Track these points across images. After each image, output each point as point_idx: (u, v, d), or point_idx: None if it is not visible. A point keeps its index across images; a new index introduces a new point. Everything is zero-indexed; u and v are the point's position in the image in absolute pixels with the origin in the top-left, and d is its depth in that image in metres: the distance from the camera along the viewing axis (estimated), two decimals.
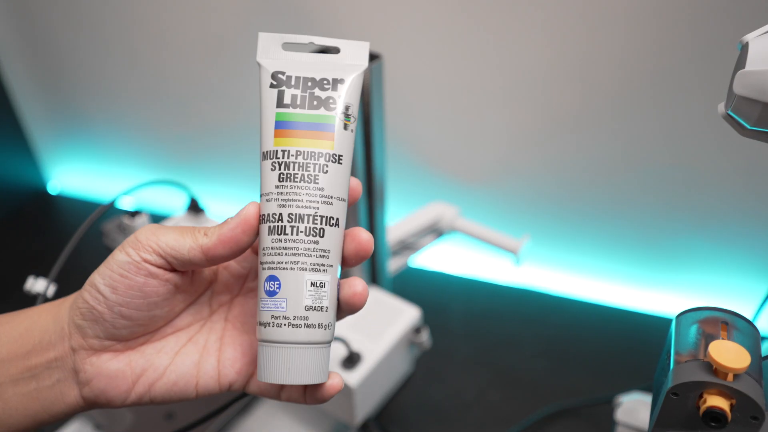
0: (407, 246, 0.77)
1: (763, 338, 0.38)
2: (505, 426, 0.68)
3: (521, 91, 0.76)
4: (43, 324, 0.32)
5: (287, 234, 0.30)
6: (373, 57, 0.54)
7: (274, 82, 0.31)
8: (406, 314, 0.63)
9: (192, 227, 0.32)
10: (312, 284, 0.30)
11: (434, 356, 0.75)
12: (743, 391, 0.33)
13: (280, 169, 0.30)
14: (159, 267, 0.31)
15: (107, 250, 0.80)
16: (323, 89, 0.31)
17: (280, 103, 0.31)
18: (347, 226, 0.32)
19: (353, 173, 0.32)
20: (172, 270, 0.31)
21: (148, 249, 0.30)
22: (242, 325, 0.35)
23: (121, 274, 0.30)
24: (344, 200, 0.32)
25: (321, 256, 0.30)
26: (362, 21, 0.77)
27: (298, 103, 0.31)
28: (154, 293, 0.31)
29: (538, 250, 0.87)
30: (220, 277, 0.35)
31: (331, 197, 0.31)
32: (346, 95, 0.31)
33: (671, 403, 0.35)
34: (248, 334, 0.34)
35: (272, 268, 0.30)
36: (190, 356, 0.33)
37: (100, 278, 0.31)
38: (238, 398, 0.38)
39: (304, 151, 0.30)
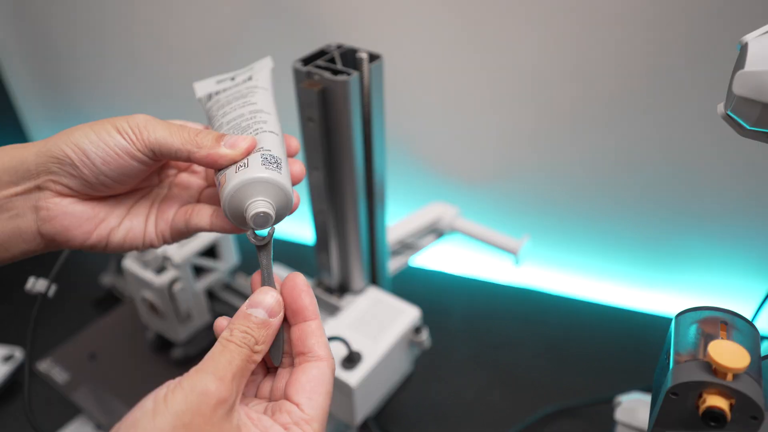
0: (407, 246, 0.77)
1: (763, 338, 0.39)
2: (505, 426, 0.68)
3: (521, 92, 0.76)
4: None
5: None
6: (373, 57, 0.54)
7: None
8: (406, 314, 0.63)
9: (182, 127, 0.37)
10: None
11: (434, 356, 0.75)
12: (743, 390, 0.33)
13: None
14: (148, 157, 0.36)
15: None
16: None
17: None
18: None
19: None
20: (156, 159, 0.37)
21: (143, 142, 0.36)
22: (179, 194, 0.42)
23: (117, 153, 0.35)
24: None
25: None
26: (362, 21, 0.77)
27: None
28: (136, 171, 0.37)
29: (538, 250, 0.87)
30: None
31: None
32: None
33: (671, 402, 0.35)
34: (180, 203, 0.41)
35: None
36: (142, 211, 0.40)
37: (92, 147, 0.35)
38: None
39: None
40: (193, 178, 0.43)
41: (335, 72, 0.52)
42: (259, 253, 0.35)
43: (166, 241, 0.41)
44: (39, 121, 1.10)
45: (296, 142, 0.41)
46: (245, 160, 0.35)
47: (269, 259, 0.35)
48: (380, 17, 0.76)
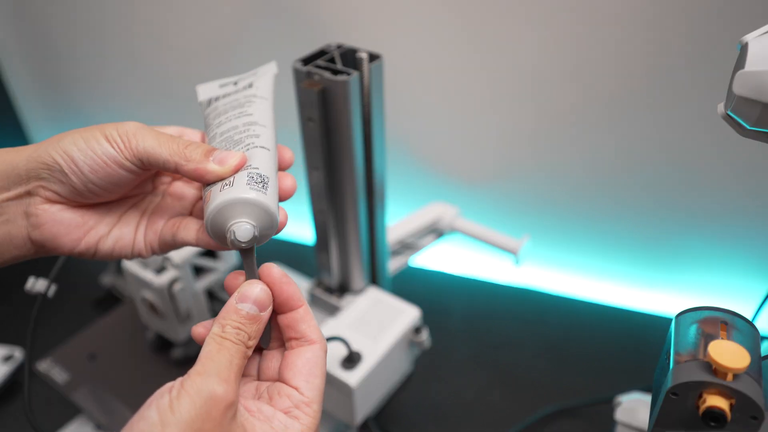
0: (407, 246, 0.77)
1: (763, 338, 0.39)
2: (505, 426, 0.68)
3: (521, 92, 0.76)
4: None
5: None
6: (373, 57, 0.54)
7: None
8: (406, 314, 0.63)
9: (172, 137, 0.36)
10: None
11: (434, 356, 0.75)
12: (743, 390, 0.33)
13: None
14: (136, 166, 0.36)
15: None
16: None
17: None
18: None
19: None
20: (144, 168, 0.36)
21: (131, 151, 0.35)
22: (171, 204, 0.41)
23: (105, 162, 0.35)
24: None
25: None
26: (362, 21, 0.77)
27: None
28: (125, 180, 0.37)
29: (538, 250, 0.87)
30: None
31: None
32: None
33: (671, 403, 0.35)
34: (171, 214, 0.41)
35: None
36: (133, 220, 0.40)
37: (80, 155, 0.35)
38: None
39: None
40: (187, 188, 0.42)
41: (335, 72, 0.52)
42: (243, 259, 0.35)
43: (155, 252, 0.40)
44: (39, 121, 1.10)
45: (290, 154, 0.40)
46: (231, 178, 0.35)
47: (254, 263, 0.35)
48: (380, 17, 0.76)
